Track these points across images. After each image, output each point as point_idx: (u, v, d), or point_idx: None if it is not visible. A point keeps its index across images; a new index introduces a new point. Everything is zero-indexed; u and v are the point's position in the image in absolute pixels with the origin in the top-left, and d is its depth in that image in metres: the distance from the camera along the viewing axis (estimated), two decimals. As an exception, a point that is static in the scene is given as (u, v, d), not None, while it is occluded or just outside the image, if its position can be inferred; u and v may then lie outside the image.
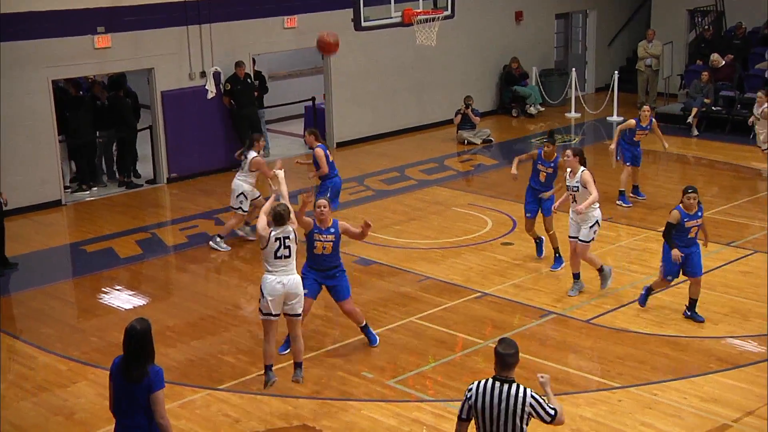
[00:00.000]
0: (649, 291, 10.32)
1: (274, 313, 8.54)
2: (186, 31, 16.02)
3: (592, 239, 10.66)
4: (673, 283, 10.38)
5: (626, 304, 10.55)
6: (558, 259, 11.67)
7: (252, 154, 12.70)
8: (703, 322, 10.00)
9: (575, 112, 20.73)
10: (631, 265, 11.79)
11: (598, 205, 10.60)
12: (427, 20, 14.19)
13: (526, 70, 21.11)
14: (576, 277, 10.87)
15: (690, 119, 18.68)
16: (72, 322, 10.85)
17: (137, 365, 6.20)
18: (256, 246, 13.10)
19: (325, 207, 9.21)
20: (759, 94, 15.73)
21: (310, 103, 18.70)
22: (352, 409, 8.47)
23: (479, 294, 11.03)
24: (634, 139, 14.18)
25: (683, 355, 9.34)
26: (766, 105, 15.32)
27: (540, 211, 11.68)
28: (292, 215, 8.59)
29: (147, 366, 6.22)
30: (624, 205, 14.11)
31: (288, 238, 8.44)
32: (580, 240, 10.63)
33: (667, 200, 14.40)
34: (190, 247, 13.16)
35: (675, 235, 9.80)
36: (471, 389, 5.98)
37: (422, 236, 13.19)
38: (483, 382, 5.97)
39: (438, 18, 14.32)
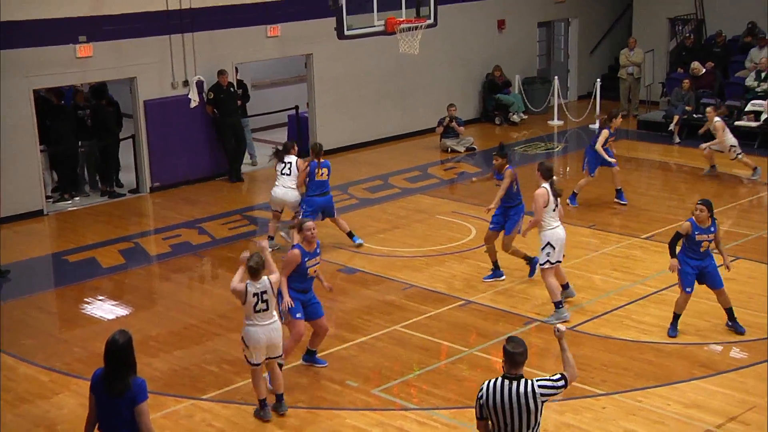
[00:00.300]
0: (676, 318, 10.05)
1: (259, 362, 8.38)
2: (168, 40, 15.98)
3: (547, 262, 10.28)
4: (656, 291, 10.41)
5: (610, 311, 10.58)
6: (494, 272, 11.54)
7: (293, 158, 12.76)
8: (743, 333, 9.83)
9: (558, 119, 20.81)
10: (614, 272, 11.82)
11: (554, 225, 10.20)
12: (410, 29, 14.22)
13: (509, 78, 21.19)
14: (564, 287, 10.72)
15: (672, 126, 18.79)
16: (54, 333, 10.79)
17: (119, 378, 6.11)
18: (240, 255, 13.08)
19: (314, 229, 9.09)
20: (708, 109, 16.06)
21: (293, 111, 18.68)
22: (337, 418, 8.45)
23: (463, 302, 11.03)
24: (606, 146, 14.47)
25: (666, 361, 9.37)
26: (717, 119, 15.64)
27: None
28: (269, 262, 8.36)
29: (129, 379, 6.12)
30: (571, 205, 14.33)
31: (265, 292, 8.20)
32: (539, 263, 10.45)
33: (650, 207, 14.51)
34: (173, 257, 13.11)
35: (687, 247, 9.72)
36: (482, 389, 6.04)
37: (406, 244, 13.19)
38: (493, 381, 6.04)
39: (421, 26, 14.36)
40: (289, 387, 8.98)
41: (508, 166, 11.29)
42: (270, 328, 8.28)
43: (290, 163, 12.72)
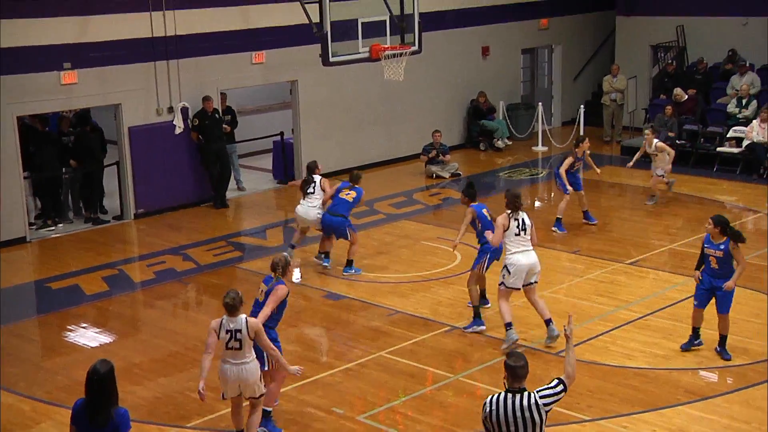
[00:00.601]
0: (693, 331, 10.16)
1: (230, 396, 8.14)
2: (153, 66, 16.00)
3: (502, 284, 10.26)
4: (640, 317, 10.40)
5: (595, 337, 10.58)
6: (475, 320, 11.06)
7: (318, 177, 13.07)
8: (729, 360, 9.87)
9: (542, 145, 20.91)
10: (599, 298, 11.84)
11: (513, 251, 10.09)
12: (394, 55, 14.32)
13: (494, 104, 21.32)
14: (547, 323, 10.45)
15: (655, 152, 18.89)
16: (36, 361, 10.68)
17: (101, 409, 6.01)
18: (226, 281, 13.06)
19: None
20: (647, 132, 16.20)
21: (278, 137, 18.71)
22: (322, 446, 8.39)
23: (449, 328, 11.01)
24: (573, 170, 14.68)
25: (652, 387, 9.37)
26: (656, 141, 15.82)
27: None
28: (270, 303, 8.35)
29: (111, 409, 6.03)
30: (558, 231, 14.42)
31: (239, 331, 7.80)
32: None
33: (633, 233, 14.56)
34: (157, 283, 13.05)
35: (703, 260, 10.00)
36: (486, 405, 6.08)
37: (391, 270, 13.18)
38: (496, 396, 6.08)
39: (405, 53, 14.47)
40: (274, 414, 8.92)
41: (470, 204, 11.04)
42: (241, 368, 7.88)
43: (315, 182, 13.01)
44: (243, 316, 7.88)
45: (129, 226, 15.99)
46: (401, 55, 14.43)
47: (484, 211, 10.98)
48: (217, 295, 12.75)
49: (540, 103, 21.28)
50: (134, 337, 11.38)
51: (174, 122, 16.25)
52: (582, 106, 20.97)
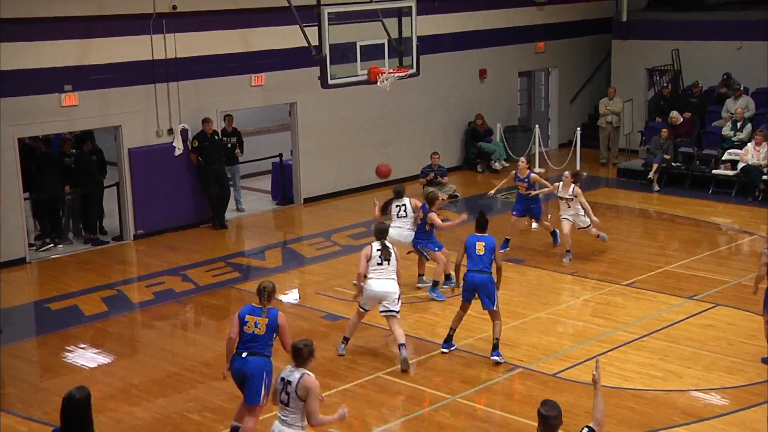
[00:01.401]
0: None
1: None
2: (154, 88, 16.12)
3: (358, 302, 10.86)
4: (637, 338, 10.45)
5: (591, 358, 10.62)
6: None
7: (406, 200, 13.19)
8: None
9: (539, 167, 21.01)
10: (596, 319, 11.90)
11: (371, 276, 10.60)
12: (392, 78, 14.44)
13: (491, 126, 21.45)
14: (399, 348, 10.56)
15: (651, 175, 19.03)
16: (35, 382, 10.71)
17: None
18: (224, 302, 13.11)
19: None
20: (566, 174, 14.18)
21: (277, 159, 18.82)
22: (318, 467, 8.41)
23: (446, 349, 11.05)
24: (520, 192, 14.70)
25: (648, 408, 9.41)
26: (572, 187, 13.99)
27: None
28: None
29: None
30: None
31: (290, 383, 7.17)
32: None
33: (630, 254, 14.62)
34: (156, 304, 13.09)
35: None
36: None
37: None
38: None
39: (404, 76, 14.61)
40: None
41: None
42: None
43: (404, 204, 13.11)
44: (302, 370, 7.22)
45: (128, 246, 16.05)
46: (399, 78, 14.55)
47: (478, 243, 10.71)
48: (216, 316, 12.86)
49: (537, 126, 21.41)
50: (133, 358, 11.42)
51: (174, 144, 16.35)
52: (578, 128, 21.10)
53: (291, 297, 13.24)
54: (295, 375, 7.13)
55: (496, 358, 10.52)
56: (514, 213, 14.92)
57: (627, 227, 16.72)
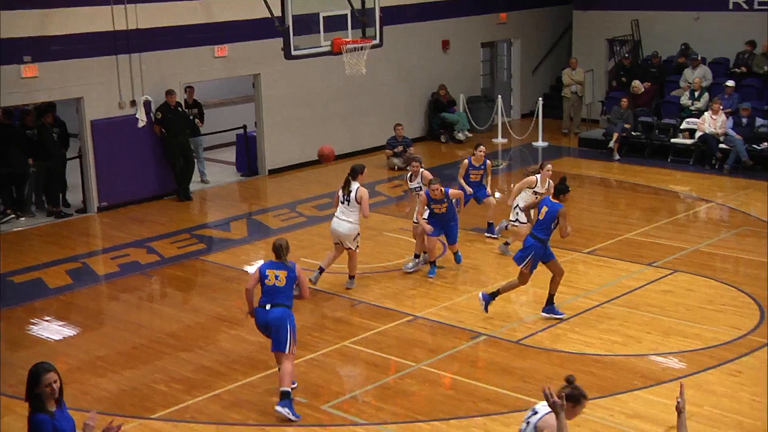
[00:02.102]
0: None
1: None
2: (115, 60, 15.98)
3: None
4: (598, 305, 10.65)
5: (553, 325, 10.84)
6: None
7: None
8: None
9: (502, 137, 21.19)
10: (558, 287, 12.04)
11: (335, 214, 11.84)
12: (355, 49, 14.45)
13: (454, 97, 21.55)
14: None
15: (611, 144, 19.27)
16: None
17: None
18: (190, 274, 13.15)
19: None
20: (549, 166, 12.98)
21: (241, 131, 18.77)
22: (288, 435, 8.54)
23: (411, 317, 11.21)
24: (471, 179, 13.76)
25: (609, 373, 9.63)
26: (549, 181, 12.71)
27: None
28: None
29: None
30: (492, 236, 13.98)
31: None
32: None
33: (591, 222, 14.84)
34: (121, 276, 13.09)
35: None
36: None
37: (354, 262, 13.32)
38: None
39: (367, 47, 14.61)
40: (237, 404, 9.07)
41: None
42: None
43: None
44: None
45: (92, 219, 15.98)
46: (362, 48, 14.56)
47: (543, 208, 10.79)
48: (182, 288, 12.90)
49: (499, 96, 21.55)
50: (98, 330, 11.42)
51: (137, 116, 16.24)
52: (540, 98, 21.27)
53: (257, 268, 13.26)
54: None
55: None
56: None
57: (588, 196, 16.94)
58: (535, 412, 6.24)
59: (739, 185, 16.90)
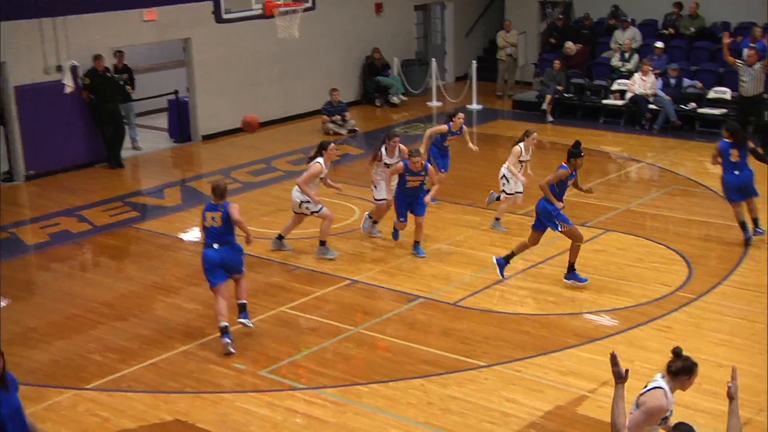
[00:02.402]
0: None
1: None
2: (39, 23, 15.51)
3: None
4: (533, 265, 10.78)
5: (490, 286, 10.96)
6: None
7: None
8: None
9: (437, 101, 21.22)
10: (493, 248, 12.13)
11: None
12: (287, 12, 14.27)
13: (388, 60, 21.47)
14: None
15: (544, 106, 19.45)
16: (-73, 329, 10.42)
17: None
18: (123, 242, 12.95)
19: None
20: (535, 134, 12.92)
21: (173, 96, 18.44)
22: (225, 402, 8.51)
23: (349, 281, 11.22)
24: (445, 144, 13.62)
25: (543, 332, 9.79)
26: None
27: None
28: None
29: None
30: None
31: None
32: None
33: (526, 185, 14.92)
34: (52, 246, 12.82)
35: None
36: None
37: (290, 227, 13.26)
38: None
39: (299, 10, 14.43)
40: (174, 373, 9.00)
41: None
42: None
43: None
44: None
45: (19, 188, 15.58)
46: (294, 11, 14.38)
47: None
48: (115, 257, 12.71)
49: (434, 59, 21.54)
50: (29, 301, 11.20)
51: (63, 81, 15.83)
52: (474, 61, 21.32)
53: (192, 235, 13.15)
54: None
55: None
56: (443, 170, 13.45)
57: (522, 158, 17.08)
58: (645, 386, 6.01)
59: (668, 145, 17.24)
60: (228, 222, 9.33)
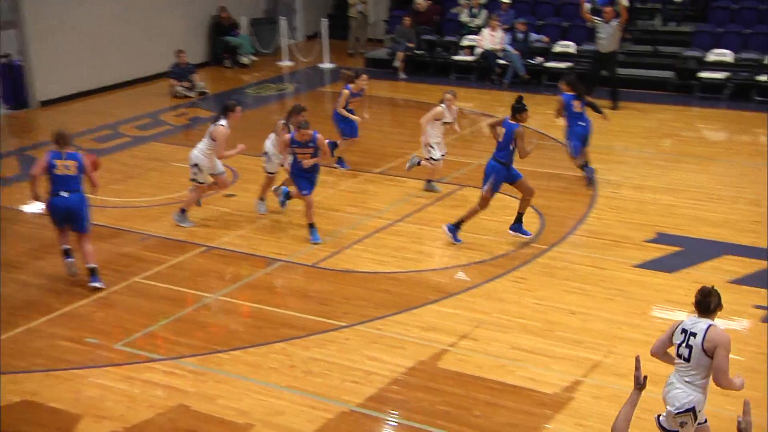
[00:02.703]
0: None
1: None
2: None
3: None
4: (390, 224, 10.79)
5: (348, 246, 10.92)
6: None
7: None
8: None
9: (288, 60, 20.90)
10: (351, 208, 12.17)
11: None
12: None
13: (236, 19, 20.94)
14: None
15: (396, 63, 19.48)
16: None
17: None
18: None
19: None
20: (449, 94, 12.54)
21: (5, 60, 17.40)
22: (79, 378, 8.15)
23: (204, 248, 10.94)
24: (349, 107, 13.29)
25: (403, 289, 9.84)
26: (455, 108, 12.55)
27: None
28: None
29: None
30: (342, 168, 13.71)
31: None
32: None
33: (380, 142, 15.01)
34: None
35: None
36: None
37: (141, 194, 12.82)
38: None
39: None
40: (23, 352, 8.55)
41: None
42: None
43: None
44: None
45: None
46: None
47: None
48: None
49: (283, 18, 21.17)
50: None
51: None
52: (325, 19, 21.10)
53: (35, 207, 12.48)
54: None
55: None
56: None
57: (376, 116, 17.00)
58: (693, 334, 5.70)
59: (517, 99, 17.57)
60: (81, 171, 9.50)
